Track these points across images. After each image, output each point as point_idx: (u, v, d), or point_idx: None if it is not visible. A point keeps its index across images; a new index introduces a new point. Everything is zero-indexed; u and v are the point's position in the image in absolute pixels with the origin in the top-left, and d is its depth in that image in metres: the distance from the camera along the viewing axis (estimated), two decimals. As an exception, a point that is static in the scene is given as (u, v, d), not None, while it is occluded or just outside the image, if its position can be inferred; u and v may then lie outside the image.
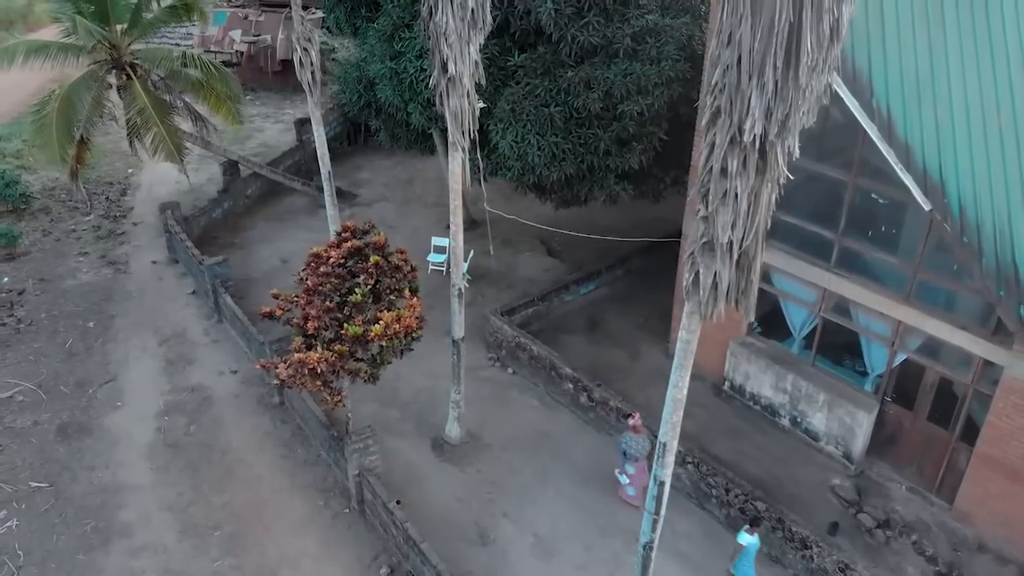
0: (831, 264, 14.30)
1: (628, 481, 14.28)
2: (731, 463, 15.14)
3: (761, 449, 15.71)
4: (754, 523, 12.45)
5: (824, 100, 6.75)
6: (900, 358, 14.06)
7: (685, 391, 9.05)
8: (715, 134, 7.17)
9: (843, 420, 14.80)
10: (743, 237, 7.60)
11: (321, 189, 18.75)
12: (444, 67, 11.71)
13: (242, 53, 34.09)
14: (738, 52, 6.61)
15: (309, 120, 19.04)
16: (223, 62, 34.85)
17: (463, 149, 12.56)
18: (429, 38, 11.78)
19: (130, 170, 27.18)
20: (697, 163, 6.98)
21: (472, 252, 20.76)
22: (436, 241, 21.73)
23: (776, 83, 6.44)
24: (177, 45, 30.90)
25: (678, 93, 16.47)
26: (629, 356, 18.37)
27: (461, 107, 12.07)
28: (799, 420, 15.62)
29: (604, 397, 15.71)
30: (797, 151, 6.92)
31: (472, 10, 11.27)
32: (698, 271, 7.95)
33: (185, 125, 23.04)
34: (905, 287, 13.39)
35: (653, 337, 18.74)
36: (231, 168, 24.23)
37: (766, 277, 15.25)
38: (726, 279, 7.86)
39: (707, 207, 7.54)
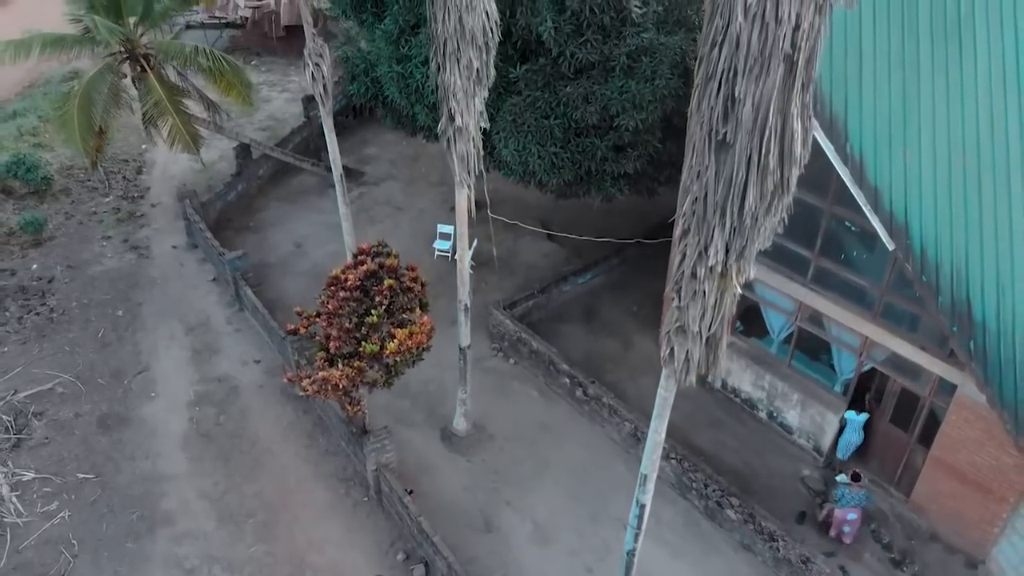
0: (807, 280, 15.50)
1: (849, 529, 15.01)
2: (711, 453, 16.71)
3: (740, 439, 17.23)
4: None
5: (779, 229, 7.89)
6: (867, 367, 15.41)
7: (663, 435, 10.43)
8: (686, 246, 8.33)
9: (814, 418, 16.27)
10: (711, 325, 8.86)
11: (330, 169, 19.55)
12: (452, 118, 12.69)
13: (246, 18, 34.42)
14: (704, 189, 7.73)
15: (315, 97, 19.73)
16: (227, 25, 35.40)
17: (469, 187, 13.63)
18: (439, 88, 12.72)
19: (144, 146, 27.97)
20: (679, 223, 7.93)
21: (476, 239, 21.85)
22: (442, 228, 22.78)
23: (734, 223, 7.58)
24: (182, 16, 31.49)
25: (671, 107, 17.33)
26: (622, 346, 19.72)
27: (467, 151, 13.10)
28: (775, 414, 17.09)
29: (597, 393, 17.13)
30: (752, 274, 8.10)
31: (477, 70, 12.19)
32: (673, 347, 9.23)
33: (197, 108, 23.84)
34: (873, 307, 14.63)
35: (645, 326, 20.03)
36: (243, 151, 25.12)
37: (748, 286, 16.39)
38: (696, 355, 9.16)
39: (679, 300, 8.77)
